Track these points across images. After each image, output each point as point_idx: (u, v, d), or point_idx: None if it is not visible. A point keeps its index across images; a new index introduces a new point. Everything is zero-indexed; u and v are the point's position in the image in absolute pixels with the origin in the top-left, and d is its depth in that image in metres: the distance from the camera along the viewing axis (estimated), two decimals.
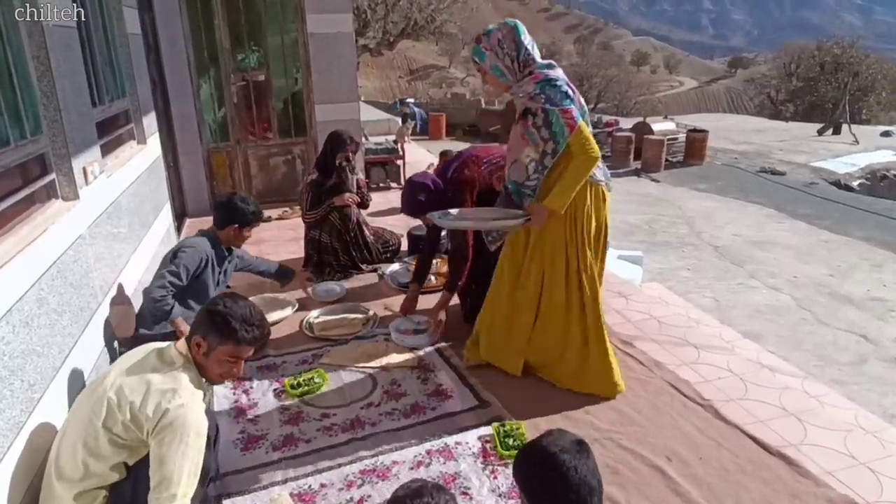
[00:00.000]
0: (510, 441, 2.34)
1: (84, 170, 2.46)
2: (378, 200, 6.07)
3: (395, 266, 4.23)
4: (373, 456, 2.31)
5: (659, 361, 3.01)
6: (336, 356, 3.05)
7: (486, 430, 2.44)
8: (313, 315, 3.49)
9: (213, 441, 1.92)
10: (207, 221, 4.99)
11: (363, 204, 4.26)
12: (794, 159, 13.69)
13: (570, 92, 2.44)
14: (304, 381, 2.77)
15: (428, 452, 2.33)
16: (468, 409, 2.60)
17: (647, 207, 9.34)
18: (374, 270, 4.19)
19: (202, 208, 5.78)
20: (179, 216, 5.50)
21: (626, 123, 15.02)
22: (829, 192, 10.59)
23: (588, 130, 2.45)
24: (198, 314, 1.79)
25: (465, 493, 2.12)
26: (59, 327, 2.03)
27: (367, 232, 4.26)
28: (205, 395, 1.81)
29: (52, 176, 2.28)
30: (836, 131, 17.96)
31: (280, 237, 5.17)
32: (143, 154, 3.75)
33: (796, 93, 32.59)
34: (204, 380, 1.80)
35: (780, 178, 11.63)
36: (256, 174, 6.09)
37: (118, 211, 2.95)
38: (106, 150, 3.11)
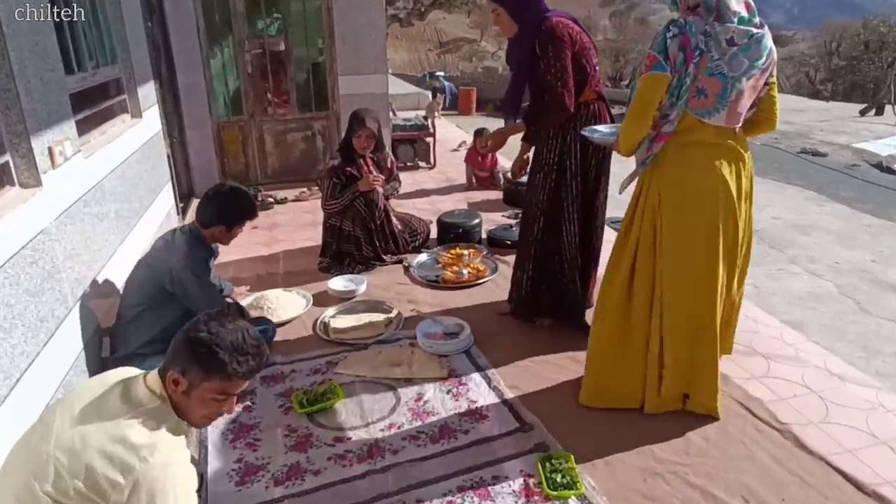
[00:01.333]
0: (558, 477, 1.91)
1: (50, 150, 2.08)
2: (405, 181, 5.64)
3: (423, 257, 3.79)
4: (395, 493, 1.90)
5: (725, 374, 2.52)
6: (353, 364, 2.65)
7: (529, 461, 2.01)
8: (329, 314, 3.09)
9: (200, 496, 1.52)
10: None
11: (392, 188, 3.83)
12: (836, 140, 13.01)
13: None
14: (315, 396, 2.37)
15: (460, 490, 1.91)
16: (507, 434, 2.17)
17: None
18: (400, 262, 3.76)
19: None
20: (185, 196, 5.15)
21: None
22: (872, 175, 10.03)
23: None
24: (174, 342, 1.38)
25: None
26: (7, 347, 1.66)
27: (393, 220, 3.82)
28: (187, 439, 1.42)
29: (6, 158, 1.89)
30: (879, 112, 17.24)
31: (295, 221, 4.78)
32: (138, 129, 3.36)
33: (837, 72, 31.61)
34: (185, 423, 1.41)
35: (822, 160, 10.92)
36: (272, 151, 5.70)
37: (101, 196, 2.58)
38: (90, 126, 2.73)
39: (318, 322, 3.02)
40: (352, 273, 3.57)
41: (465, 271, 3.49)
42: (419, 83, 14.34)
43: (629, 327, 2.19)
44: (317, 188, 4.75)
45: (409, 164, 6.42)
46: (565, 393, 2.41)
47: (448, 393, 2.43)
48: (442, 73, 18.91)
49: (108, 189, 2.68)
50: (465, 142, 7.39)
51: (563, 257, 2.79)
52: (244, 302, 3.02)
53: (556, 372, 2.56)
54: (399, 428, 2.23)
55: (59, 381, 2.00)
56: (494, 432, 2.18)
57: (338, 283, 3.38)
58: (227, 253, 4.05)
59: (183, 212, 4.86)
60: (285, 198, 5.27)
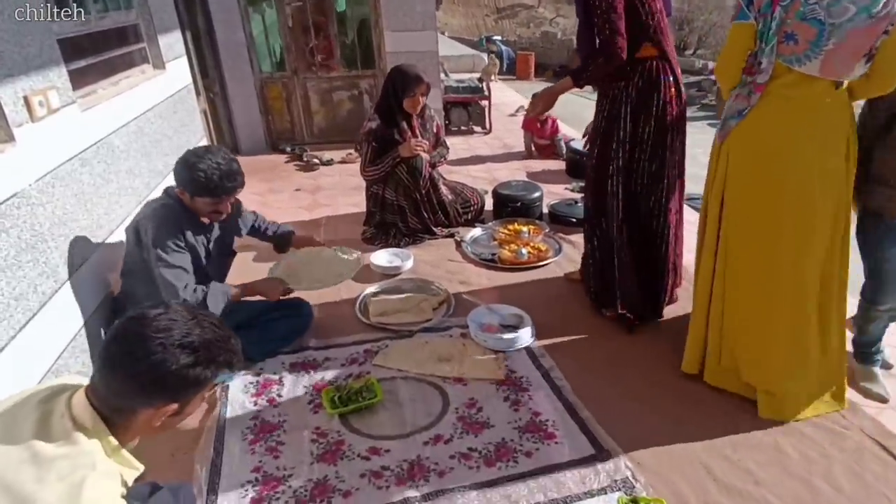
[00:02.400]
0: None
1: (27, 100, 1.71)
2: (459, 147, 5.18)
3: (477, 232, 3.34)
4: None
5: (853, 402, 2.00)
6: (395, 356, 2.25)
7: (609, 503, 1.58)
8: (369, 292, 2.69)
9: None
10: (263, 161, 4.27)
11: (438, 155, 3.35)
12: None
13: None
14: (349, 393, 1.99)
15: None
16: (580, 462, 1.74)
17: None
18: (451, 236, 3.32)
19: (257, 147, 5.11)
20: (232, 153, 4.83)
21: None
22: None
23: None
24: None
25: None
26: None
27: (442, 189, 3.36)
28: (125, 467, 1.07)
29: None
30: None
31: (341, 185, 4.40)
32: (160, 81, 2.99)
33: None
34: (127, 449, 1.07)
35: None
36: (318, 110, 5.30)
37: (108, 154, 2.22)
38: (99, 75, 2.37)
39: (359, 301, 2.63)
40: (397, 246, 3.16)
41: (524, 251, 3.02)
42: (475, 47, 13.61)
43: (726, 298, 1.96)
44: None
45: (462, 128, 5.92)
46: (651, 412, 1.95)
47: (506, 400, 2.01)
48: (499, 37, 18.03)
49: (118, 146, 2.32)
50: (522, 106, 6.80)
51: (609, 239, 2.35)
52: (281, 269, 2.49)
53: (638, 382, 2.10)
54: (447, 442, 1.83)
55: (48, 367, 1.68)
56: (564, 458, 1.75)
57: (381, 258, 2.98)
58: (266, 216, 3.72)
59: None
60: (331, 159, 4.89)
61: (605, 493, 1.62)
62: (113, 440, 1.03)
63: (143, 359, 0.99)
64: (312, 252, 2.56)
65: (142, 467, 1.12)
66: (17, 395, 1.05)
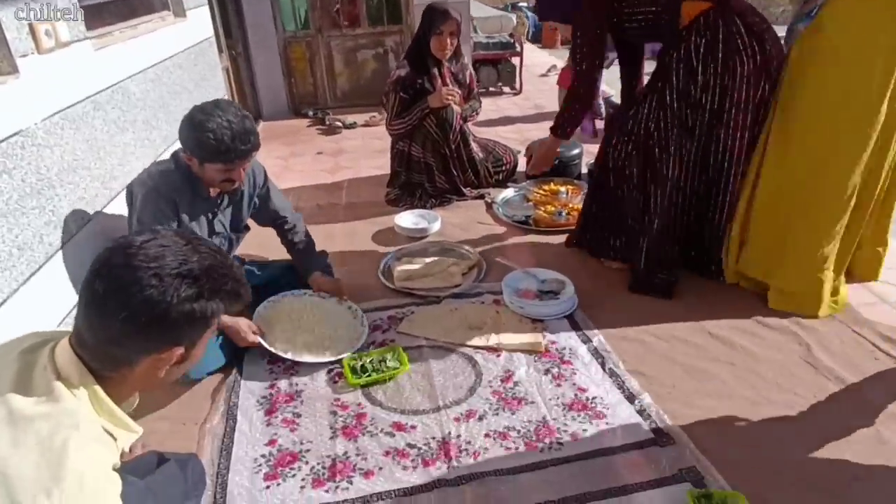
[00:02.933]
0: None
1: (32, 28, 1.50)
2: (488, 108, 4.87)
3: (509, 192, 3.07)
4: None
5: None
6: (421, 322, 2.04)
7: (674, 497, 1.35)
8: (393, 255, 2.47)
9: None
10: (285, 126, 4.03)
11: (471, 108, 3.07)
12: None
13: None
14: (372, 362, 1.78)
15: None
16: (635, 446, 1.50)
17: None
18: (481, 197, 3.06)
19: (279, 111, 4.89)
20: (253, 118, 4.63)
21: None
22: None
23: None
24: None
25: None
26: None
27: (473, 145, 3.09)
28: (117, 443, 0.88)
29: None
30: None
31: (364, 148, 4.16)
32: (181, 30, 2.77)
33: None
34: (125, 409, 0.90)
35: None
36: (342, 71, 5.04)
37: (123, 100, 2.02)
38: (116, 17, 2.15)
39: (383, 264, 2.41)
40: (423, 208, 2.92)
41: (562, 212, 2.75)
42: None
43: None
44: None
45: (491, 88, 5.58)
46: (716, 388, 1.70)
47: (546, 373, 1.78)
48: (525, 3, 17.35)
49: (134, 93, 2.11)
50: (554, 66, 6.43)
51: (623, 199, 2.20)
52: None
53: (696, 355, 1.84)
54: (480, 418, 1.61)
55: (57, 325, 1.51)
56: (616, 442, 1.52)
57: (406, 220, 2.75)
58: (288, 179, 3.55)
59: None
60: (354, 122, 4.65)
61: (669, 485, 1.38)
62: (104, 396, 0.85)
63: (135, 294, 0.80)
64: (318, 303, 2.01)
65: (139, 430, 0.93)
66: None
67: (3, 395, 0.79)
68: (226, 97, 3.55)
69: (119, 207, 1.94)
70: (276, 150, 4.13)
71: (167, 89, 2.49)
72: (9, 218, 1.36)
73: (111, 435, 0.86)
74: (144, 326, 0.82)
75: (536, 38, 14.06)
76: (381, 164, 3.65)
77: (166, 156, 2.36)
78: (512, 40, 5.64)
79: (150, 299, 0.80)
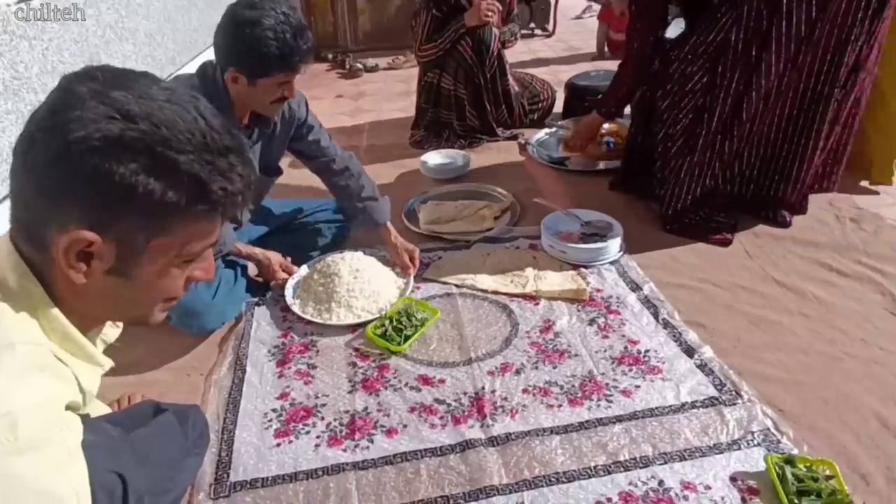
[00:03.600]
0: None
1: None
2: (518, 49, 4.54)
3: (544, 133, 2.80)
4: (511, 490, 1.12)
5: None
6: (450, 268, 1.83)
7: (748, 460, 1.14)
8: (419, 199, 2.25)
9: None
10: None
11: (510, 32, 2.76)
12: None
13: None
14: (395, 315, 1.59)
15: (624, 500, 1.09)
16: (700, 405, 1.29)
17: None
18: (514, 138, 2.80)
19: None
20: None
21: None
22: None
23: None
24: None
25: None
26: None
27: (509, 77, 2.79)
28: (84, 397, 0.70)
29: None
30: None
31: (386, 91, 3.90)
32: None
33: None
34: (81, 336, 0.70)
35: None
36: (364, 8, 4.74)
37: (121, 4, 1.79)
38: None
39: (407, 206, 2.20)
40: (451, 147, 2.68)
41: (610, 140, 2.49)
42: None
43: None
44: (411, 54, 3.79)
45: (523, 30, 5.19)
46: (787, 342, 1.47)
47: (591, 323, 1.57)
48: None
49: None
50: (590, 5, 5.97)
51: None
52: (297, 276, 1.75)
53: (764, 305, 1.61)
54: (517, 372, 1.42)
55: None
56: (675, 399, 1.31)
57: (434, 158, 2.52)
58: None
59: None
60: (376, 65, 4.38)
61: (740, 448, 1.17)
62: (53, 310, 0.66)
63: (65, 125, 0.60)
64: (360, 262, 1.72)
65: (106, 363, 0.76)
66: None
67: None
68: None
69: None
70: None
71: (174, 2, 2.24)
72: None
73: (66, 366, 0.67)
74: (49, 172, 0.61)
75: None
76: (403, 107, 3.41)
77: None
78: None
79: (67, 127, 0.60)
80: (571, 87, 2.94)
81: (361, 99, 3.76)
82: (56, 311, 0.66)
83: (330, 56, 4.65)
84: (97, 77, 0.64)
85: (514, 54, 4.28)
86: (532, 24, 5.19)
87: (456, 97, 2.69)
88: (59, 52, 1.47)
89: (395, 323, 1.53)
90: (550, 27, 5.17)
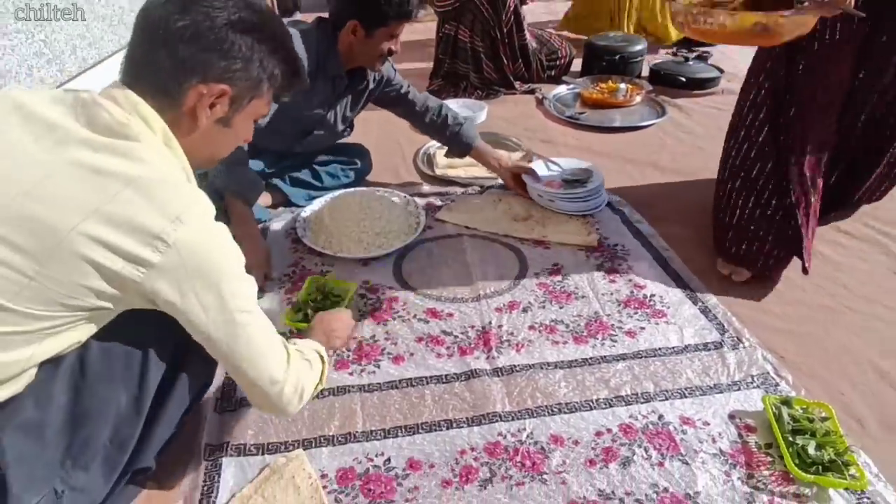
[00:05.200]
0: (809, 447, 1.02)
1: None
2: (538, 11, 4.41)
3: (562, 89, 2.73)
4: (514, 417, 1.12)
5: None
6: (461, 210, 1.81)
7: (748, 401, 1.14)
8: (435, 145, 2.21)
9: None
10: None
11: None
12: None
13: None
14: (308, 298, 1.37)
15: (625, 431, 1.09)
16: (703, 348, 1.28)
17: None
18: (531, 92, 2.73)
19: (318, 2, 4.49)
20: (290, 11, 4.30)
21: None
22: None
23: None
24: None
25: None
26: None
27: (526, 32, 2.71)
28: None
29: None
30: None
31: (404, 41, 3.77)
32: None
33: None
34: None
35: None
36: None
37: None
38: None
39: (421, 153, 2.16)
40: (468, 97, 2.62)
41: (623, 86, 2.45)
42: None
43: None
44: (431, 8, 3.67)
45: None
46: (790, 294, 1.46)
47: (599, 269, 1.55)
48: None
49: None
50: None
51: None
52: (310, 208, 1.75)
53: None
54: (525, 310, 1.41)
55: None
56: (678, 341, 1.30)
57: (452, 106, 2.45)
58: None
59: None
60: None
61: (739, 389, 1.17)
62: (175, 141, 0.81)
63: (198, 7, 0.78)
64: (370, 197, 1.75)
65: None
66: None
67: (67, 126, 0.72)
68: None
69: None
70: None
71: None
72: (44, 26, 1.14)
73: None
74: (191, 38, 0.77)
75: None
76: (420, 57, 3.33)
77: None
78: None
79: (212, 7, 0.78)
80: (589, 46, 2.85)
81: None
82: (176, 142, 0.80)
83: None
84: None
85: (535, 14, 4.16)
86: None
87: (472, 49, 2.62)
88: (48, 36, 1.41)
89: (312, 305, 1.35)
90: None
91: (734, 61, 3.17)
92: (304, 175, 1.86)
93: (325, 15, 1.60)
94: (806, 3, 1.16)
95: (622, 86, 2.63)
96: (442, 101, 1.87)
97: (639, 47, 2.84)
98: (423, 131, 1.91)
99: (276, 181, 1.80)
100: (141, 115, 0.77)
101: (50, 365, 0.75)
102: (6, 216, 0.66)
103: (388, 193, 1.80)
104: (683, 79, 2.71)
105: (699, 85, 2.72)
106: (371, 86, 1.73)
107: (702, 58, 3.04)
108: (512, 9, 2.54)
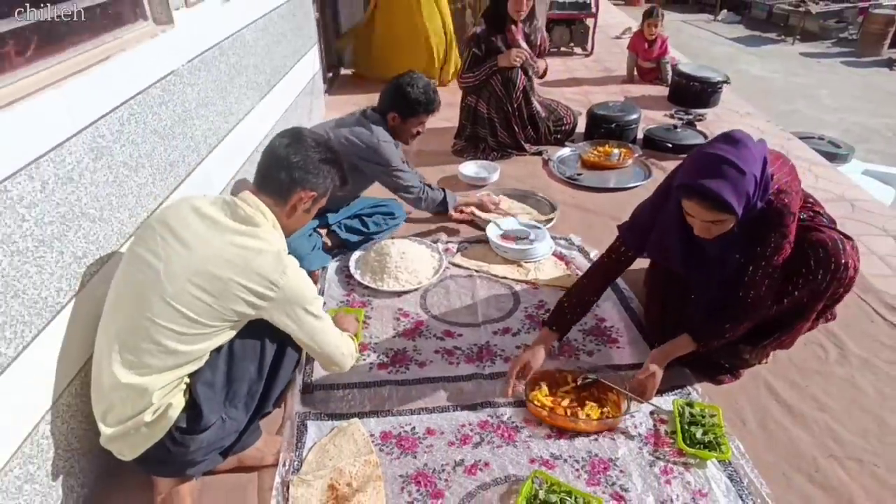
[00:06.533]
0: (698, 433, 1.53)
1: None
2: (556, 68, 4.99)
3: (566, 151, 3.29)
4: (502, 405, 1.66)
5: None
6: (472, 257, 2.37)
7: (664, 403, 1.65)
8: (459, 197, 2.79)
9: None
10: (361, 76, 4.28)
11: (533, 69, 3.23)
12: None
13: None
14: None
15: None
16: (639, 366, 1.79)
17: (892, 109, 6.90)
18: (539, 154, 3.31)
19: (360, 59, 5.19)
20: (335, 67, 4.97)
21: None
22: None
23: None
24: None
25: (618, 498, 1.40)
26: (132, 186, 1.56)
27: (535, 103, 3.30)
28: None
29: None
30: None
31: None
32: None
33: None
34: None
35: None
36: None
37: (240, 47, 2.39)
38: None
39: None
40: (486, 159, 3.21)
41: (616, 150, 3.01)
42: None
43: None
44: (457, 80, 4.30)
45: (562, 48, 5.65)
46: None
47: None
48: None
49: (248, 40, 2.49)
50: (629, 28, 6.34)
51: None
52: (358, 253, 2.37)
53: None
54: (514, 334, 1.95)
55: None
56: (625, 360, 1.82)
57: (469, 168, 3.05)
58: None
59: (330, 83, 4.71)
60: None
61: (661, 395, 1.68)
62: (278, 225, 1.38)
63: (304, 146, 1.39)
64: (403, 244, 2.33)
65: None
66: (168, 209, 1.33)
67: (235, 229, 1.27)
68: (316, 49, 3.88)
69: (235, 142, 2.34)
70: (354, 99, 4.46)
71: (272, 37, 2.84)
72: (166, 140, 1.77)
73: None
74: (300, 167, 1.36)
75: None
76: (448, 117, 3.88)
77: (270, 95, 2.75)
78: (588, 0, 5.63)
79: (310, 150, 1.39)
80: (590, 114, 3.42)
81: None
82: (279, 226, 1.37)
83: None
84: (303, 131, 1.45)
85: (552, 72, 4.74)
86: (572, 43, 5.62)
87: (489, 119, 3.21)
88: (205, 90, 2.01)
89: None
90: (589, 47, 5.59)
91: (723, 125, 3.69)
92: (355, 223, 2.44)
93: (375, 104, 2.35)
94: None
95: (616, 150, 3.17)
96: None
97: (634, 116, 3.39)
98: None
99: (335, 228, 2.40)
100: (261, 210, 1.34)
101: (215, 351, 1.32)
102: (198, 272, 1.22)
103: (418, 242, 2.38)
104: (670, 145, 3.23)
105: (685, 150, 3.23)
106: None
107: (691, 124, 3.57)
108: (521, 88, 3.13)
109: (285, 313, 1.30)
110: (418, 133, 2.35)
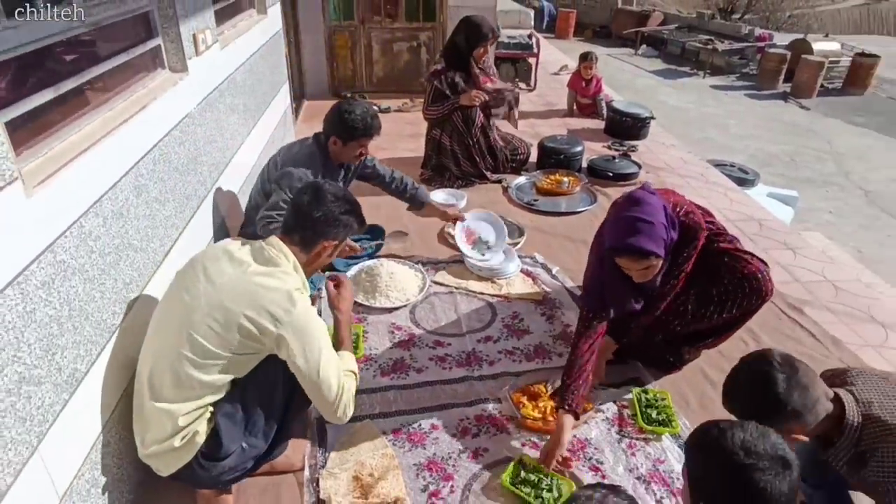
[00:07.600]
0: (653, 413, 1.84)
1: (194, 37, 2.05)
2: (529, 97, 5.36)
3: (522, 179, 3.63)
4: (490, 401, 1.91)
5: (837, 338, 2.32)
6: (451, 275, 2.63)
7: (624, 392, 1.96)
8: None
9: None
10: (326, 106, 4.57)
11: (495, 104, 3.57)
12: None
13: None
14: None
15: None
16: (608, 364, 2.10)
17: (790, 137, 7.92)
18: (499, 182, 3.63)
19: (320, 90, 5.41)
20: (298, 97, 5.15)
21: (780, 39, 12.42)
22: None
23: None
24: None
25: (595, 469, 1.68)
26: (161, 218, 1.72)
27: (493, 136, 3.63)
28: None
29: (158, 41, 1.88)
30: None
31: (398, 132, 4.68)
32: (263, 26, 3.29)
33: None
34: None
35: None
36: (378, 59, 5.53)
37: (233, 88, 2.57)
38: (220, 18, 2.68)
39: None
40: (452, 187, 3.49)
41: (566, 179, 3.39)
42: (520, 1, 13.36)
43: None
44: (420, 100, 4.60)
45: (508, 84, 6.07)
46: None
47: (542, 315, 2.38)
48: None
49: (239, 81, 2.67)
50: (566, 66, 6.89)
51: None
52: (350, 273, 2.52)
53: None
54: (495, 341, 2.22)
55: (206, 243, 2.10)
56: None
57: (439, 196, 3.32)
58: None
59: (295, 112, 4.88)
60: (389, 107, 5.17)
61: (619, 388, 1.99)
62: (300, 268, 1.46)
63: (325, 203, 1.48)
64: (390, 266, 2.52)
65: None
66: (206, 252, 1.46)
67: (256, 269, 1.37)
68: (286, 84, 4.07)
69: (231, 172, 2.50)
70: (318, 127, 4.63)
71: (256, 77, 3.03)
72: (184, 175, 1.92)
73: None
74: (322, 221, 1.46)
75: (551, 29, 14.40)
76: (413, 147, 4.17)
77: (255, 132, 2.93)
78: (531, 42, 6.11)
79: (330, 205, 1.48)
80: (542, 147, 3.80)
81: (377, 138, 4.54)
82: (301, 268, 1.46)
83: (348, 94, 5.43)
84: (322, 186, 1.52)
85: (532, 103, 5.09)
86: (517, 79, 6.07)
87: (452, 151, 3.51)
88: (209, 129, 2.17)
89: None
90: (532, 83, 6.05)
91: (653, 156, 4.17)
92: None
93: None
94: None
95: (565, 179, 3.55)
96: (402, 173, 2.68)
97: (578, 148, 3.79)
98: (391, 194, 2.68)
99: None
100: (283, 252, 1.43)
101: (235, 384, 1.40)
102: (216, 305, 1.33)
103: (404, 263, 2.61)
104: (611, 174, 3.65)
105: (623, 178, 3.65)
106: (354, 170, 2.54)
107: (626, 155, 4.02)
108: (479, 125, 3.47)
109: (287, 349, 1.34)
110: (361, 155, 2.37)
